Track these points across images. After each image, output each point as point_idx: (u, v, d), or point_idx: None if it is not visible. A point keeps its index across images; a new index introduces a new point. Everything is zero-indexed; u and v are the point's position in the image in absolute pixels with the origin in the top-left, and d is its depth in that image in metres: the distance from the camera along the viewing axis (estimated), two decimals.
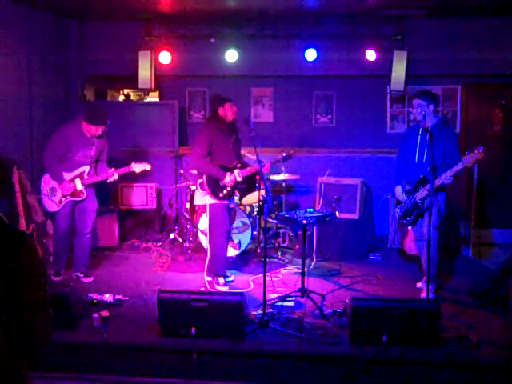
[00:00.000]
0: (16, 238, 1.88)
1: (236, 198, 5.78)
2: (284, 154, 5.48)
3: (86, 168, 5.32)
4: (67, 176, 5.28)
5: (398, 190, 5.08)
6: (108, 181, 5.38)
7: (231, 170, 5.14)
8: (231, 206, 5.39)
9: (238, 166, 5.18)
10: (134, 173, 5.51)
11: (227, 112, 5.09)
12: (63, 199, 5.30)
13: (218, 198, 5.13)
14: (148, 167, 5.48)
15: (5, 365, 1.85)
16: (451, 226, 6.65)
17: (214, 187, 5.12)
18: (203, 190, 5.16)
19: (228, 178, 5.09)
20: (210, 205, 5.17)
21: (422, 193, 4.86)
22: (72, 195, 5.30)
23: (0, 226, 1.91)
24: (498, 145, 7.66)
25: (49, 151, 5.28)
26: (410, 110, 4.95)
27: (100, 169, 5.45)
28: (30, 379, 1.98)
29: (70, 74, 7.56)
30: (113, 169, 5.37)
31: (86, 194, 5.33)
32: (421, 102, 4.84)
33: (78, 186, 5.29)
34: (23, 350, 1.87)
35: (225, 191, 5.13)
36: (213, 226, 5.21)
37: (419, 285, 5.12)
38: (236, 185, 5.20)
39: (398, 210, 5.12)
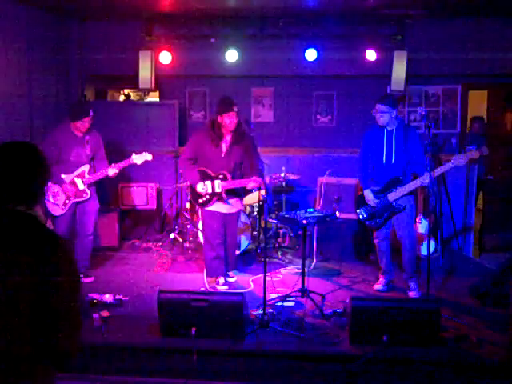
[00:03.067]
0: (50, 241, 1.83)
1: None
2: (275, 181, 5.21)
3: (86, 167, 5.31)
4: (67, 178, 5.26)
5: (369, 193, 5.07)
6: (110, 175, 5.32)
7: (213, 179, 5.02)
8: (235, 209, 5.22)
9: (221, 176, 5.00)
10: (135, 165, 5.41)
11: (224, 123, 4.91)
12: (67, 201, 5.28)
13: (198, 204, 5.16)
14: (149, 157, 5.41)
15: (30, 368, 1.82)
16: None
17: (195, 193, 5.12)
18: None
19: (199, 187, 5.00)
20: (202, 211, 5.25)
21: (396, 194, 4.93)
22: (75, 196, 5.29)
23: (35, 227, 1.86)
24: (499, 144, 7.65)
25: None
26: (373, 113, 4.97)
27: (99, 166, 5.40)
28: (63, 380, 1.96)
29: (70, 74, 7.56)
30: (113, 164, 5.32)
31: (89, 194, 5.32)
32: (383, 108, 4.90)
33: (80, 185, 5.28)
34: (50, 355, 1.83)
35: (204, 198, 5.07)
36: (203, 230, 5.36)
37: (412, 287, 5.09)
38: (215, 194, 5.04)
39: (362, 211, 5.14)
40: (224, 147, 5.03)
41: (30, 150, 1.95)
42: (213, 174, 5.04)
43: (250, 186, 5.00)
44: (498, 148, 7.19)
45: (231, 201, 5.15)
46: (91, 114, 5.23)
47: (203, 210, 5.19)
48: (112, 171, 5.29)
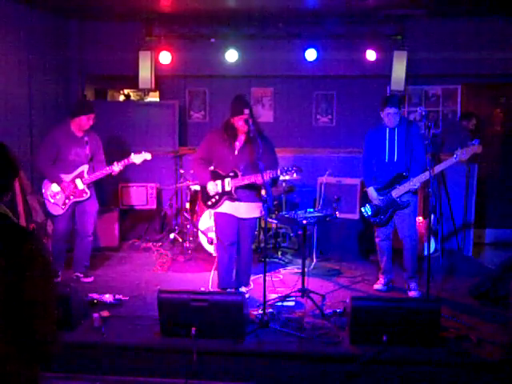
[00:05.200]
0: (20, 235, 1.85)
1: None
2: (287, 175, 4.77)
3: (85, 167, 5.31)
4: (66, 178, 5.27)
5: (372, 191, 5.10)
6: (113, 173, 5.30)
7: (223, 178, 4.81)
8: (252, 215, 4.87)
9: (231, 174, 4.78)
10: (134, 164, 5.37)
11: (236, 125, 4.71)
12: (67, 201, 5.28)
13: (207, 206, 4.96)
14: (149, 156, 5.38)
15: (6, 365, 1.82)
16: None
17: (204, 194, 4.91)
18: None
19: (210, 186, 4.79)
20: (214, 213, 4.97)
21: (399, 190, 4.94)
22: (74, 195, 5.30)
23: (5, 224, 1.88)
24: (498, 144, 7.66)
25: (41, 156, 5.29)
26: (386, 117, 4.96)
27: (98, 169, 5.39)
28: (42, 380, 1.96)
29: (70, 74, 7.56)
30: (115, 162, 5.31)
31: (89, 194, 5.33)
32: (394, 110, 4.92)
33: (80, 185, 5.28)
34: (27, 350, 1.84)
35: (213, 200, 4.84)
36: (216, 236, 5.03)
37: (413, 286, 5.10)
38: (225, 194, 4.79)
39: (367, 208, 5.16)
40: (237, 146, 4.82)
41: None
42: (223, 174, 4.84)
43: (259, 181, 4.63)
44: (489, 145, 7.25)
45: (246, 205, 4.82)
46: (94, 111, 5.27)
47: (215, 212, 4.94)
48: (117, 167, 5.26)
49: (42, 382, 1.97)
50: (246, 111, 4.65)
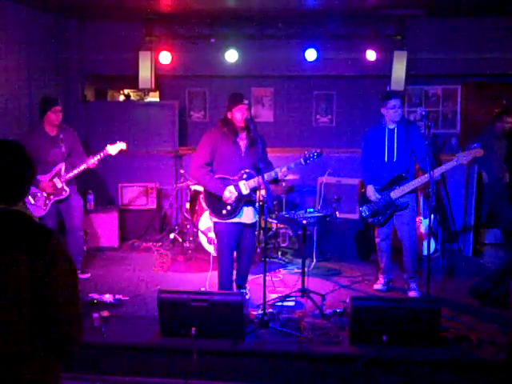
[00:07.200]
0: (43, 235, 1.87)
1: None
2: (307, 155, 4.76)
3: (62, 165, 5.32)
4: (44, 179, 5.27)
5: (371, 189, 5.07)
6: (91, 167, 5.28)
7: (236, 183, 4.49)
8: (255, 219, 4.70)
9: (244, 176, 4.49)
10: (111, 156, 5.36)
11: (234, 118, 4.45)
12: (47, 201, 5.30)
13: (222, 217, 4.52)
14: (123, 146, 5.38)
15: (30, 363, 1.83)
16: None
17: (215, 203, 4.53)
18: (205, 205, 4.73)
19: (227, 194, 4.43)
20: (214, 223, 4.65)
21: (399, 191, 4.91)
22: (54, 195, 5.30)
23: (28, 224, 1.90)
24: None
25: None
26: (388, 110, 4.92)
27: (78, 161, 5.36)
28: (62, 379, 1.97)
29: (70, 74, 7.56)
30: (90, 156, 5.31)
31: (68, 191, 5.34)
32: (398, 103, 4.91)
33: (58, 184, 5.30)
34: (53, 349, 1.85)
35: (229, 207, 4.47)
36: (218, 246, 4.69)
37: (413, 287, 5.10)
38: (242, 199, 4.48)
39: (365, 208, 5.13)
40: (242, 146, 4.56)
41: (17, 147, 1.95)
42: (233, 178, 4.51)
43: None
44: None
45: (253, 208, 4.63)
46: (60, 104, 5.27)
47: (220, 223, 4.58)
48: (93, 160, 5.25)
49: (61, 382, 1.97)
50: (245, 101, 4.50)
